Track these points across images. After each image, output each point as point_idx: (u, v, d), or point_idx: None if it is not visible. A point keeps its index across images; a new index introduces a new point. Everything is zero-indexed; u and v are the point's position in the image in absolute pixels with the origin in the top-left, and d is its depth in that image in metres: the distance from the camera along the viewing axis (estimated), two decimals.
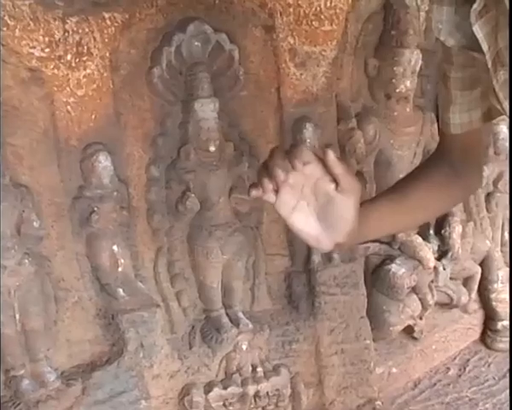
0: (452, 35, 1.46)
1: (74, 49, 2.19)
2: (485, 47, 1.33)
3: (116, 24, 2.26)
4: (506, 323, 3.55)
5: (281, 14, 2.56)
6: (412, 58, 3.03)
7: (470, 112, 1.62)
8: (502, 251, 3.80)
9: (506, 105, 1.40)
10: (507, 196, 3.83)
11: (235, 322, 2.66)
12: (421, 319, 3.18)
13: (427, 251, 3.10)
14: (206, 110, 2.47)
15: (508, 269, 3.67)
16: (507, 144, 3.79)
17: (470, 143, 1.71)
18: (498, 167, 3.81)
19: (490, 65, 1.34)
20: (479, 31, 1.31)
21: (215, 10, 2.49)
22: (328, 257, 2.77)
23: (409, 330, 3.18)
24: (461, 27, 1.42)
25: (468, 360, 3.50)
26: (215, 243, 2.59)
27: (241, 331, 2.65)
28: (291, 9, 2.56)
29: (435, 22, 1.47)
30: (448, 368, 3.43)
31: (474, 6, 1.30)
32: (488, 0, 1.30)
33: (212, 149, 2.51)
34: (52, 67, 2.19)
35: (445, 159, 1.75)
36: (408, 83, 3.05)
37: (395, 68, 3.01)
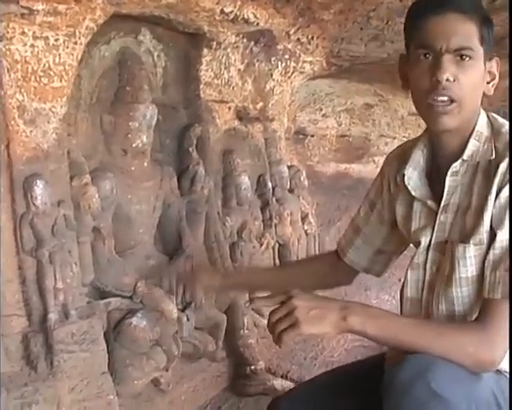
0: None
1: None
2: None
3: None
4: (254, 367, 3.66)
5: (8, 71, 2.53)
6: (147, 113, 3.11)
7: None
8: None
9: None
10: (251, 245, 3.99)
11: None
12: (167, 370, 3.18)
13: (170, 303, 3.11)
14: None
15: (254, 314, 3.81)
16: (249, 194, 3.98)
17: None
18: (242, 217, 3.98)
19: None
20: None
21: None
22: (65, 314, 2.73)
23: (156, 383, 3.17)
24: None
25: (220, 407, 3.55)
26: None
27: None
28: (19, 66, 2.55)
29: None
30: None
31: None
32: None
33: None
34: None
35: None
36: (144, 138, 3.12)
37: (130, 123, 3.07)
